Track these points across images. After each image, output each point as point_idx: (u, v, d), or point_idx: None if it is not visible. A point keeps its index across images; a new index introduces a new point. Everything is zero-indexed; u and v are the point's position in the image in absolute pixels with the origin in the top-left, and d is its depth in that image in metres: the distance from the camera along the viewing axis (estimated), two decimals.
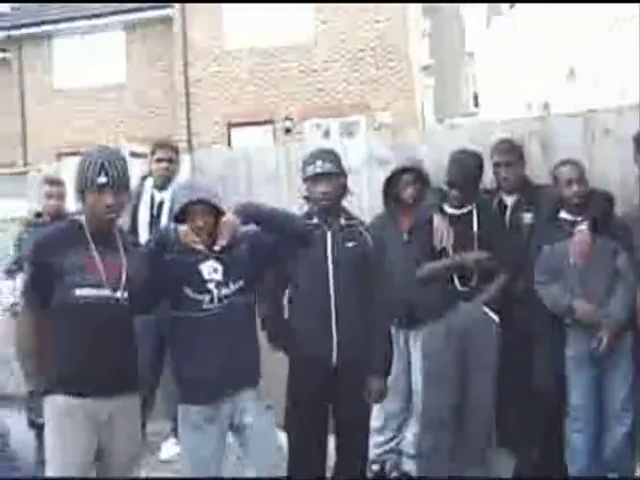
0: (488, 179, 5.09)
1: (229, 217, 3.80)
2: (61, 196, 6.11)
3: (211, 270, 3.79)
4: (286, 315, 4.49)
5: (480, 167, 4.87)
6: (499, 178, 5.06)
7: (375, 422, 4.94)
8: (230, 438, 3.92)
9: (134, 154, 6.47)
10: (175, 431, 5.99)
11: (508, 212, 5.02)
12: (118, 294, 3.56)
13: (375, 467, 5.23)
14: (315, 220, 4.35)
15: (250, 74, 18.81)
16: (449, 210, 4.87)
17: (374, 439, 5.02)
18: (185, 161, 6.43)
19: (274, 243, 3.89)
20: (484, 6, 37.19)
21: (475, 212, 4.84)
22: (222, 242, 3.79)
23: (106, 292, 3.53)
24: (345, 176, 4.46)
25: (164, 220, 5.80)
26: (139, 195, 5.83)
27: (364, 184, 5.75)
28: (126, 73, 20.52)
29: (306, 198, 4.52)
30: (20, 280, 5.87)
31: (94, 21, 20.36)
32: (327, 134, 18.03)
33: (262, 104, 18.69)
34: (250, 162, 6.34)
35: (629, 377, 4.61)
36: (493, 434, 4.93)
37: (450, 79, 34.06)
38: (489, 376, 4.76)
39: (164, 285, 3.77)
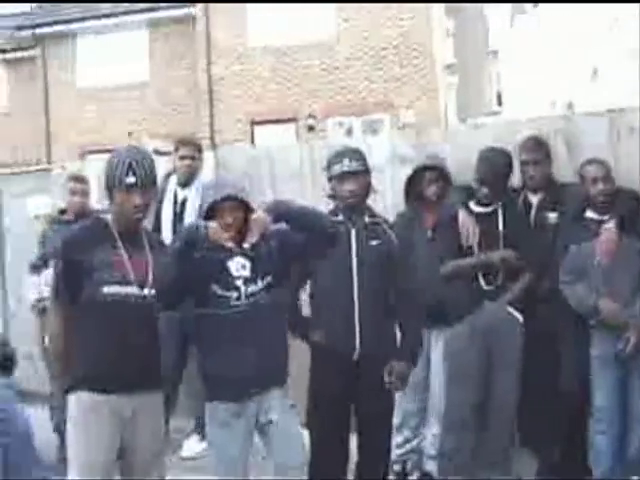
0: (513, 178, 5.06)
1: (259, 214, 3.79)
2: (85, 193, 6.14)
3: (239, 267, 3.78)
4: (306, 310, 4.49)
5: (509, 165, 4.86)
6: (525, 176, 5.03)
7: (394, 421, 4.92)
8: (256, 437, 3.92)
9: (157, 152, 6.50)
10: (197, 429, 6.03)
11: (533, 211, 5.00)
12: (145, 292, 3.57)
13: (396, 467, 5.21)
14: (340, 217, 4.34)
15: (273, 72, 18.81)
16: (475, 208, 4.86)
17: (394, 439, 5.01)
18: (208, 159, 6.43)
19: (303, 242, 3.87)
20: (508, 5, 37.04)
21: (501, 211, 4.83)
22: (252, 239, 3.78)
23: (133, 290, 3.54)
24: (370, 174, 4.46)
25: (187, 217, 5.82)
26: (162, 193, 5.84)
27: (387, 182, 5.74)
28: (149, 71, 20.58)
29: (331, 197, 4.51)
30: (45, 276, 5.90)
31: (117, 19, 20.43)
32: (350, 132, 18.01)
33: (285, 102, 18.69)
34: (273, 160, 6.33)
35: None
36: (515, 434, 4.90)
37: (473, 78, 33.94)
38: (512, 376, 4.74)
39: (192, 282, 3.77)
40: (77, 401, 3.56)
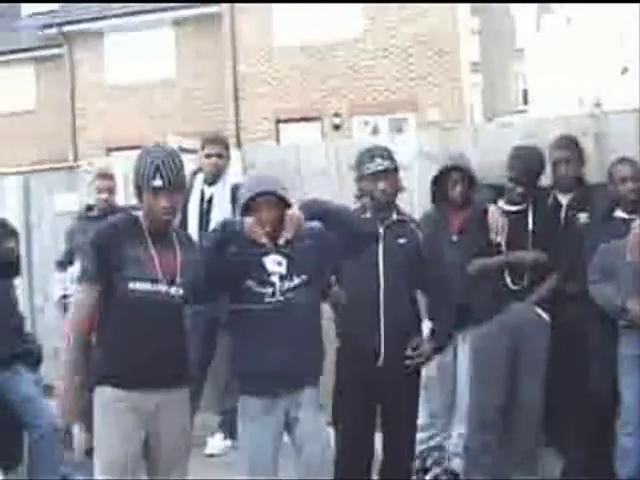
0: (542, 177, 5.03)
1: (295, 211, 3.78)
2: (112, 191, 6.17)
3: (275, 263, 3.77)
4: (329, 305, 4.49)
5: (542, 163, 4.83)
6: (556, 176, 4.99)
7: (419, 419, 4.91)
8: (285, 437, 3.92)
9: (183, 149, 6.51)
10: (222, 426, 6.05)
11: (563, 211, 4.96)
12: (172, 290, 3.57)
13: (417, 463, 5.19)
14: (368, 215, 4.33)
15: (298, 70, 18.83)
16: (505, 206, 4.83)
17: (418, 435, 5.00)
18: (234, 157, 6.43)
19: (338, 241, 3.86)
20: (534, 4, 36.91)
21: (531, 210, 4.80)
22: (287, 235, 3.77)
23: (161, 287, 3.54)
24: (398, 173, 4.47)
25: (214, 215, 5.83)
26: (189, 190, 5.83)
27: (415, 181, 5.71)
28: (175, 69, 20.67)
29: (359, 195, 4.52)
30: (70, 273, 5.93)
31: (144, 17, 20.53)
32: (376, 131, 17.98)
33: (310, 100, 18.71)
34: (300, 158, 6.32)
35: None
36: (541, 435, 4.87)
37: (499, 76, 33.82)
38: (539, 377, 4.72)
39: (227, 278, 3.77)
40: (100, 396, 3.57)
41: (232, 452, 5.90)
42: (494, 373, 4.74)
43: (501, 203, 4.84)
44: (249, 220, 3.73)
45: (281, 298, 3.74)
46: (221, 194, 5.93)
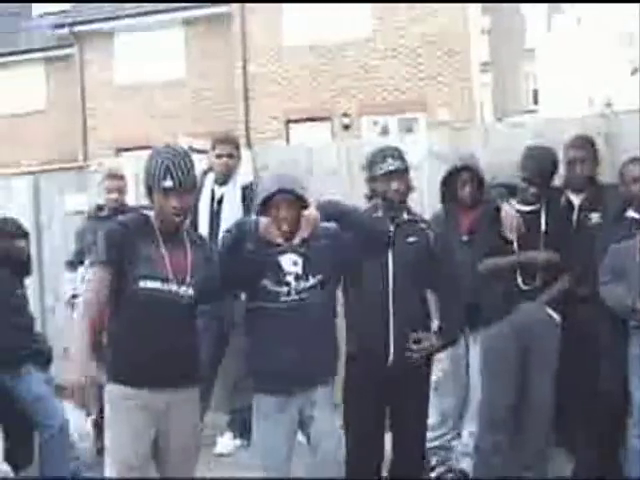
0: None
1: (312, 212, 3.79)
2: (122, 190, 6.18)
3: (291, 263, 3.77)
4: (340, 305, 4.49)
5: (555, 163, 4.82)
6: (570, 175, 4.97)
7: (430, 419, 4.90)
8: (300, 436, 3.94)
9: (193, 149, 6.51)
10: (231, 426, 6.05)
11: (575, 211, 4.94)
12: (182, 289, 3.57)
13: None
14: (380, 214, 4.33)
15: (308, 70, 18.82)
16: (517, 206, 4.81)
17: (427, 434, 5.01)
18: (244, 157, 6.43)
19: (353, 244, 3.87)
20: (545, 4, 36.85)
21: (544, 210, 4.79)
22: (303, 235, 3.79)
23: (172, 287, 3.54)
24: (409, 172, 4.46)
25: (225, 215, 5.84)
26: (199, 190, 5.82)
27: (424, 181, 5.71)
28: (185, 69, 20.68)
29: (369, 197, 4.52)
30: (81, 273, 5.94)
31: (154, 18, 20.55)
32: (385, 131, 17.96)
33: (320, 100, 18.70)
34: (311, 158, 6.32)
35: None
36: (552, 435, 4.86)
37: (509, 76, 33.77)
38: (549, 376, 4.71)
39: (243, 277, 3.78)
40: (110, 393, 3.59)
41: (241, 451, 5.92)
42: (505, 373, 4.73)
43: (513, 202, 4.83)
44: (264, 220, 3.74)
45: (296, 297, 3.75)
46: (232, 194, 5.94)
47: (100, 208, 6.27)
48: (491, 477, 4.76)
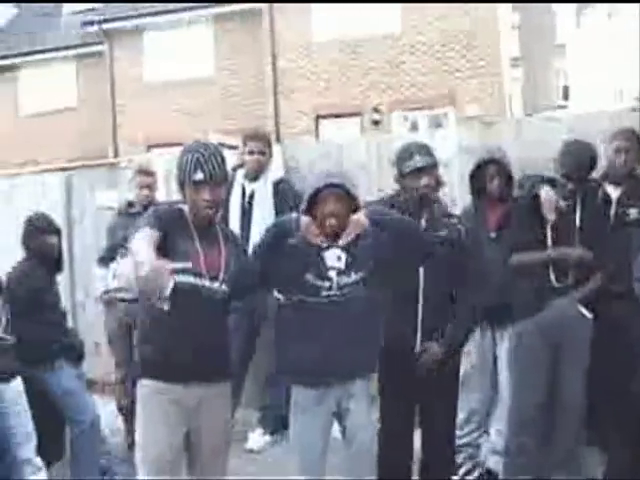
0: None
1: (360, 217, 3.76)
2: (152, 187, 6.20)
3: (335, 258, 3.76)
4: None
5: (593, 159, 4.76)
6: (611, 165, 4.88)
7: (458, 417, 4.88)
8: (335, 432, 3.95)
9: (223, 146, 6.51)
10: (262, 422, 6.06)
11: (613, 206, 4.87)
12: (216, 285, 3.58)
13: None
14: (410, 210, 4.31)
15: (337, 66, 18.80)
16: None
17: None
18: (275, 152, 6.43)
19: (398, 251, 3.85)
20: None
21: (579, 205, 4.74)
22: (348, 237, 3.76)
23: (205, 282, 3.55)
24: (438, 167, 4.43)
25: (256, 211, 5.86)
26: (230, 186, 5.83)
27: (455, 176, 5.68)
28: (214, 66, 20.72)
29: (398, 194, 4.50)
30: (112, 269, 5.97)
31: (183, 14, 20.60)
32: (415, 126, 17.92)
33: (350, 96, 18.67)
34: (340, 154, 6.31)
35: None
36: (583, 434, 4.81)
37: (539, 72, 33.55)
38: (580, 375, 4.65)
39: (285, 272, 3.77)
40: (142, 388, 3.60)
41: (271, 448, 5.93)
42: (534, 371, 4.69)
43: (550, 192, 4.76)
44: (305, 219, 3.72)
45: (337, 293, 3.74)
46: (263, 190, 5.94)
47: (131, 204, 6.29)
48: (520, 477, 4.73)
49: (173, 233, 3.51)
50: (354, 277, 3.76)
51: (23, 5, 25.94)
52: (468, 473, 5.15)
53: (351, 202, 3.74)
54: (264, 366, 5.97)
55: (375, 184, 5.99)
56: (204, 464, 3.69)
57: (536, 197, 4.74)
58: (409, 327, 4.23)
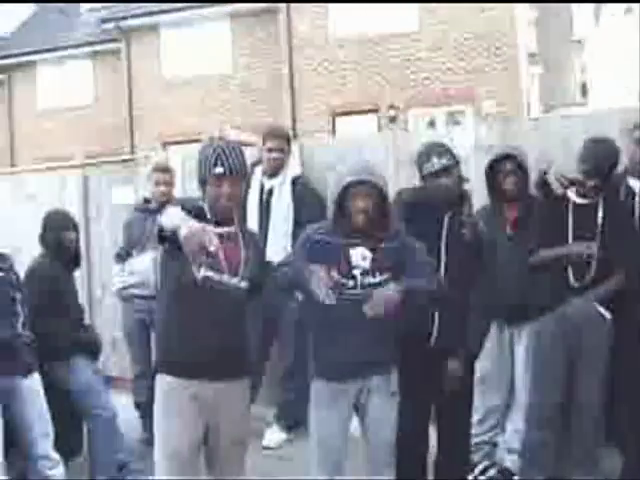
0: None
1: (391, 293, 3.72)
2: (169, 183, 6.20)
3: (360, 257, 3.77)
4: None
5: (616, 156, 4.70)
6: (634, 158, 4.82)
7: (474, 415, 4.86)
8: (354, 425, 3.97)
9: (240, 143, 6.51)
10: (279, 419, 6.06)
11: (637, 199, 4.80)
12: (235, 280, 3.59)
13: None
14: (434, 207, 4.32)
15: (354, 63, 18.78)
16: (574, 198, 4.73)
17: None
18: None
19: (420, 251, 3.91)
20: None
21: (601, 204, 4.68)
22: (380, 236, 3.79)
23: (225, 278, 3.56)
24: (459, 166, 4.42)
25: (274, 207, 5.87)
26: (248, 182, 5.83)
27: (472, 174, 5.66)
28: (231, 62, 20.73)
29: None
30: (129, 265, 5.98)
31: (200, 11, 20.62)
32: (432, 124, 17.89)
33: (366, 93, 18.64)
34: (358, 150, 6.29)
35: None
36: (601, 434, 4.77)
37: (557, 69, 33.38)
38: (598, 375, 4.60)
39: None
40: (160, 383, 3.61)
41: (288, 445, 5.94)
42: (551, 371, 4.66)
43: (570, 193, 4.74)
44: (316, 269, 3.67)
45: (361, 292, 3.74)
46: (282, 187, 5.95)
47: (147, 201, 6.30)
48: (537, 476, 4.71)
49: None
50: (378, 278, 3.77)
51: (41, 4, 26.06)
52: (484, 471, 5.13)
53: (381, 198, 3.75)
54: (281, 363, 5.98)
55: (392, 182, 5.97)
56: (223, 460, 3.71)
57: (560, 197, 4.72)
58: (426, 325, 4.23)
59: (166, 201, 5.92)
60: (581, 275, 4.64)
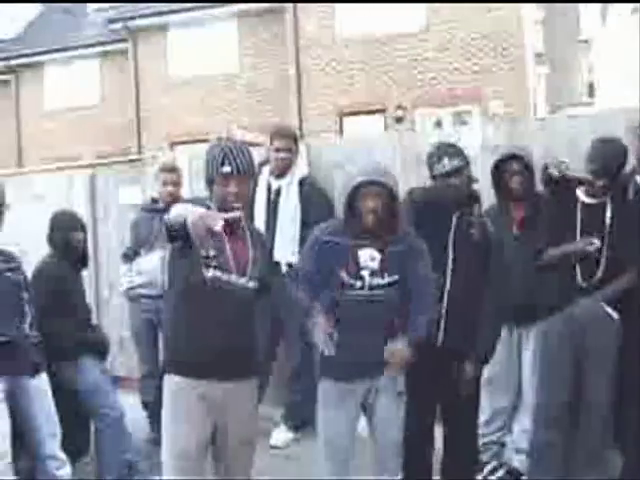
0: None
1: (402, 350, 3.79)
2: (177, 183, 6.19)
3: (368, 258, 3.78)
4: None
5: (625, 155, 4.70)
6: None
7: (481, 416, 4.86)
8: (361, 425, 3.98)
9: (248, 143, 6.52)
10: (286, 419, 6.06)
11: None
12: (243, 280, 3.59)
13: None
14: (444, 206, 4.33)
15: (361, 63, 18.78)
16: (583, 197, 4.72)
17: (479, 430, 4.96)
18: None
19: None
20: None
21: (610, 203, 4.67)
22: (389, 239, 3.79)
23: (233, 277, 3.56)
24: (469, 166, 4.43)
25: (282, 208, 5.87)
26: (255, 182, 5.82)
27: (479, 174, 5.65)
28: (238, 62, 20.75)
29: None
30: (136, 265, 5.99)
31: (207, 11, 20.64)
32: (439, 124, 17.87)
33: (373, 93, 18.64)
34: (365, 150, 6.28)
35: None
36: (609, 435, 4.76)
37: (564, 69, 33.33)
38: (606, 375, 4.57)
39: (319, 269, 3.81)
40: (168, 383, 3.62)
41: (294, 444, 5.94)
42: (559, 371, 4.65)
43: (579, 193, 4.73)
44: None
45: (369, 293, 3.76)
46: (289, 187, 5.94)
47: (155, 201, 6.30)
48: (545, 476, 4.70)
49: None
50: (386, 279, 3.78)
51: (48, 4, 26.10)
52: (493, 471, 5.13)
53: (391, 198, 3.75)
54: (288, 363, 5.98)
55: (400, 181, 5.96)
56: (231, 459, 3.72)
57: (568, 196, 4.72)
58: (433, 325, 4.20)
59: (173, 201, 5.92)
60: (589, 275, 4.63)
